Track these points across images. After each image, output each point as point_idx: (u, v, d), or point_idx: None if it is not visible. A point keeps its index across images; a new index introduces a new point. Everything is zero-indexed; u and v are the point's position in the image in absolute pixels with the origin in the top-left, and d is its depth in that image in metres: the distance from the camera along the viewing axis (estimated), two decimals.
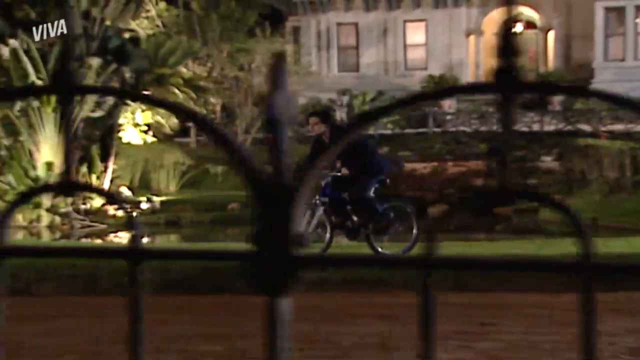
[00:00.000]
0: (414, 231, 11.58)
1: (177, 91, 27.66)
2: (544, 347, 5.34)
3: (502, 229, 24.79)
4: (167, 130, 31.55)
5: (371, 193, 11.19)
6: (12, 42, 19.89)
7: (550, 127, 29.71)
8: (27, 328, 5.94)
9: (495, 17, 40.71)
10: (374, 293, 7.18)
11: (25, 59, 19.93)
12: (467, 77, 39.73)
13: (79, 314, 6.87)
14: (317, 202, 11.05)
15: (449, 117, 31.86)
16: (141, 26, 31.32)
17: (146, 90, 25.51)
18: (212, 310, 6.92)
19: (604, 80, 36.31)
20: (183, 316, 6.49)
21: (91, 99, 20.33)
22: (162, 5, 37.32)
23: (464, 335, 5.60)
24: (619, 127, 28.57)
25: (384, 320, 6.08)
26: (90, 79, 20.62)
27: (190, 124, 32.64)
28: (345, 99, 22.60)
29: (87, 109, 20.59)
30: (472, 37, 40.68)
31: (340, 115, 21.61)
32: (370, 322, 6.16)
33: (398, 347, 5.22)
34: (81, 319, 6.59)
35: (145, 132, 30.96)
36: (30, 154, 20.97)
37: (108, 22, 22.15)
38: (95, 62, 20.58)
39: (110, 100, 20.38)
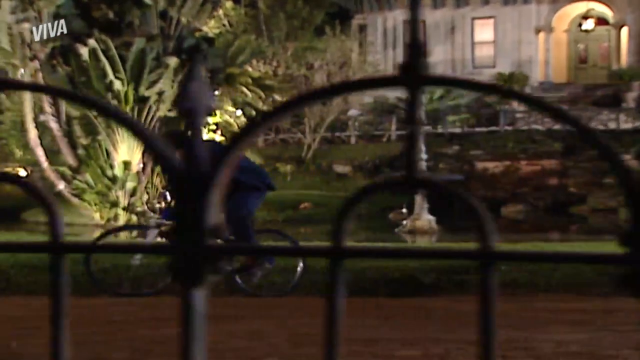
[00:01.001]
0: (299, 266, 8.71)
1: (245, 90, 27.83)
2: None
3: (577, 230, 24.47)
4: (235, 129, 31.78)
5: (246, 213, 8.52)
6: (91, 42, 20.18)
7: (627, 125, 29.23)
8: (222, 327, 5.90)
9: (566, 13, 40.18)
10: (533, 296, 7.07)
11: (103, 58, 20.20)
12: (537, 74, 39.30)
13: (273, 314, 6.85)
14: (153, 222, 9.11)
15: (520, 115, 31.53)
16: (208, 25, 31.59)
17: (217, 89, 25.70)
18: (399, 313, 6.81)
19: None
20: (368, 319, 6.37)
21: (169, 98, 20.55)
22: (229, 4, 37.61)
23: None
24: None
25: (577, 326, 5.93)
26: (168, 79, 20.83)
27: None
28: (423, 97, 22.45)
29: (164, 108, 20.80)
30: (541, 34, 40.20)
31: (419, 114, 21.46)
32: (563, 328, 6.01)
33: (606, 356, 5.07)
34: (276, 320, 6.56)
35: (214, 131, 31.24)
36: (108, 154, 21.25)
37: (184, 22, 22.37)
38: (172, 61, 20.78)
39: None
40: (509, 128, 29.92)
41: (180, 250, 0.82)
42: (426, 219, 19.96)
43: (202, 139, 0.84)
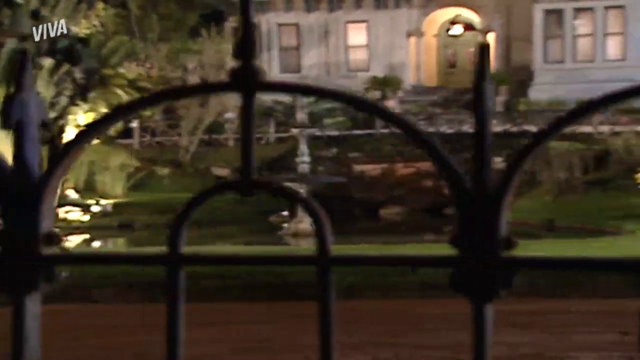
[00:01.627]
0: None
1: (120, 92, 27.26)
2: None
3: (452, 230, 25.05)
4: (110, 131, 31.09)
5: None
6: None
7: (497, 129, 30.09)
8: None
9: (435, 18, 41.12)
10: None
11: None
12: (409, 78, 40.04)
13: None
14: None
15: None
16: (81, 26, 30.79)
17: (91, 91, 25.07)
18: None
19: (543, 81, 36.99)
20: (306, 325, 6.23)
21: (44, 99, 19.87)
22: (100, 4, 36.77)
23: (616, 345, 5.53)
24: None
25: (525, 329, 5.96)
26: (43, 80, 20.18)
27: (134, 125, 32.24)
28: (304, 100, 22.53)
29: None
30: (412, 39, 41.01)
31: (302, 117, 21.49)
32: (512, 330, 6.02)
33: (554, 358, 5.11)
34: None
35: None
36: None
37: (57, 22, 21.72)
38: (47, 62, 20.15)
39: (63, 101, 19.98)
40: (385, 131, 30.35)
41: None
42: (309, 221, 19.97)
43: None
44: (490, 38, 40.29)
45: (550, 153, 26.39)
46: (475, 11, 40.44)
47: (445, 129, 30.16)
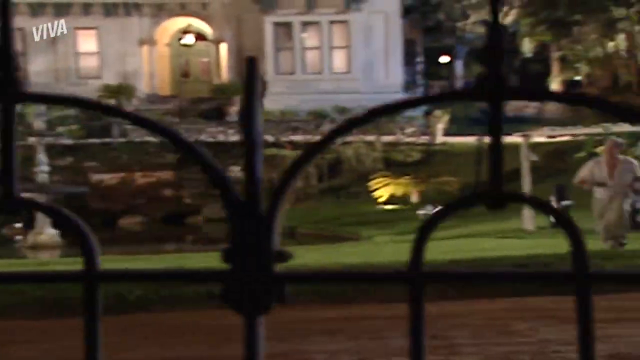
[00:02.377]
0: None
1: None
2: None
3: (193, 239, 25.23)
4: None
5: None
6: None
7: (234, 138, 30.65)
8: None
9: (167, 27, 41.12)
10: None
11: None
12: (143, 87, 39.73)
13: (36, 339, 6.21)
14: None
15: (132, 127, 31.71)
16: None
17: None
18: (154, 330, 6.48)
19: (276, 92, 38.07)
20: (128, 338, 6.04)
21: None
22: None
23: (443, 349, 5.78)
24: (298, 137, 30.16)
25: (342, 335, 6.07)
26: None
27: None
28: (42, 108, 21.75)
29: None
30: (145, 47, 40.74)
31: (39, 124, 20.76)
32: (329, 337, 6.13)
33: None
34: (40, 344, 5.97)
35: None
36: None
37: None
38: None
39: None
40: (123, 139, 29.96)
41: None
42: (49, 233, 19.34)
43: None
44: (222, 49, 40.93)
45: (287, 162, 27.28)
46: (206, 21, 40.90)
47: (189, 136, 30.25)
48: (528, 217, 16.30)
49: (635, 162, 12.86)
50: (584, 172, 12.53)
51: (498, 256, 11.05)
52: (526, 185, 16.32)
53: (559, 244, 13.79)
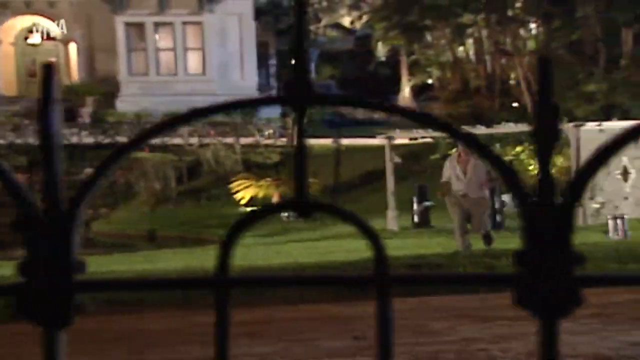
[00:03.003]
0: None
1: None
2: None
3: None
4: None
5: None
6: None
7: (89, 140, 30.12)
8: None
9: (12, 25, 39.90)
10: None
11: None
12: None
13: None
14: None
15: None
16: None
17: None
18: None
19: (129, 93, 37.61)
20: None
21: None
22: None
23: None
24: (155, 140, 29.96)
25: (259, 339, 6.04)
26: None
27: None
28: None
29: None
30: None
31: None
32: (244, 340, 6.18)
33: None
34: None
35: None
36: None
37: None
38: None
39: None
40: None
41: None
42: None
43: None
44: (72, 48, 40.06)
45: (146, 164, 27.06)
46: (54, 20, 39.93)
47: (34, 140, 29.49)
48: (391, 218, 16.85)
49: None
50: (446, 172, 12.78)
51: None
52: (390, 186, 16.86)
53: (426, 243, 14.26)
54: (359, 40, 45.64)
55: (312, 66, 46.81)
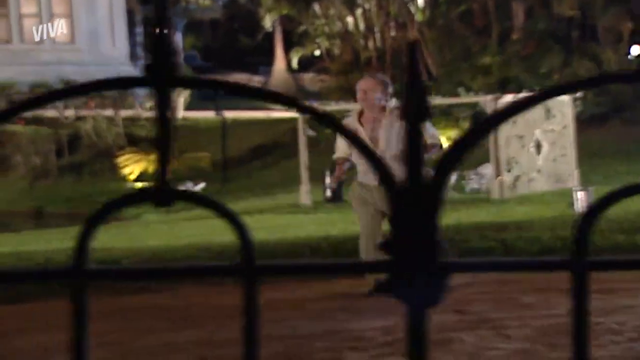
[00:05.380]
0: None
1: None
2: None
3: None
4: None
5: None
6: None
7: None
8: None
9: None
10: None
11: None
12: None
13: None
14: None
15: None
16: None
17: None
18: None
19: None
20: None
21: None
22: None
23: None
24: (28, 113, 28.75)
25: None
26: None
27: None
28: None
29: None
30: None
31: None
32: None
33: None
34: None
35: None
36: None
37: None
38: None
39: None
40: None
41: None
42: None
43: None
44: None
45: (21, 138, 25.98)
46: None
47: None
48: (305, 192, 16.74)
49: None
50: (341, 144, 12.09)
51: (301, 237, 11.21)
52: (304, 159, 16.73)
53: (339, 219, 14.16)
54: (226, 9, 45.13)
55: (180, 36, 45.90)
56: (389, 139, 7.11)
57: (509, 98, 15.66)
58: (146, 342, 6.00)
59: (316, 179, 16.90)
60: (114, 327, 6.39)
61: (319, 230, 12.26)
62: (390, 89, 7.34)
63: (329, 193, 16.83)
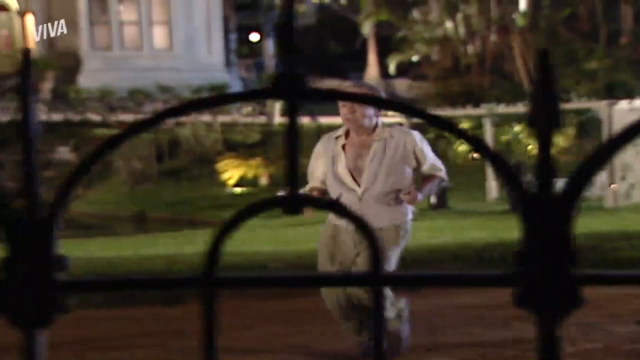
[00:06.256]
0: None
1: None
2: None
3: None
4: None
5: None
6: None
7: (57, 117, 29.31)
8: None
9: None
10: None
11: None
12: None
13: None
14: None
15: None
16: None
17: None
18: None
19: (92, 68, 36.68)
20: None
21: None
22: None
23: None
24: (128, 117, 29.24)
25: None
26: None
27: None
28: None
29: None
30: None
31: None
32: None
33: None
34: None
35: None
36: None
37: None
38: None
39: None
40: None
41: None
42: None
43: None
44: (29, 21, 38.94)
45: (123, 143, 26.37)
46: None
47: (0, 117, 28.60)
48: None
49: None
50: (316, 170, 9.15)
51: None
52: None
53: (445, 226, 13.90)
54: (319, 15, 45.21)
55: (271, 42, 46.13)
56: (376, 172, 5.36)
57: (624, 104, 15.19)
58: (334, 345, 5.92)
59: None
60: (294, 330, 6.33)
61: (430, 237, 12.06)
62: None
63: (433, 199, 16.62)
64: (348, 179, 5.47)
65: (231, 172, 23.54)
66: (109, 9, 37.81)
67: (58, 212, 0.78)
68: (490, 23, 26.70)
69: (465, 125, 21.81)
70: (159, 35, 38.35)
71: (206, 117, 28.28)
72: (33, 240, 0.77)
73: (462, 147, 23.43)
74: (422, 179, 5.44)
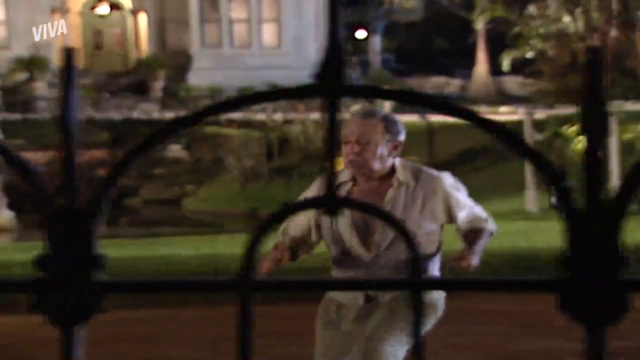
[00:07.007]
0: None
1: None
2: None
3: (129, 221, 24.33)
4: None
5: None
6: None
7: (170, 114, 29.64)
8: None
9: None
10: None
11: None
12: (56, 59, 38.04)
13: None
14: None
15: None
16: None
17: None
18: None
19: (202, 66, 37.09)
20: None
21: None
22: None
23: None
24: (237, 115, 29.36)
25: None
26: None
27: None
28: None
29: None
30: (57, 16, 39.02)
31: None
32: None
33: None
34: None
35: None
36: None
37: None
38: None
39: None
40: (48, 116, 28.64)
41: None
42: (5, 215, 18.26)
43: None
44: (142, 19, 39.57)
45: (233, 140, 26.51)
46: None
47: (115, 114, 29.14)
48: (530, 198, 16.05)
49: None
50: (303, 220, 8.35)
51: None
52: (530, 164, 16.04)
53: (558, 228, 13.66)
54: (428, 11, 44.64)
55: (378, 39, 45.68)
56: (393, 231, 3.40)
57: None
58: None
59: (541, 184, 16.20)
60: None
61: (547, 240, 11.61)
62: (401, 136, 4.13)
63: (554, 200, 16.08)
64: (353, 241, 4.05)
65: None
66: (220, 7, 38.13)
67: (97, 210, 0.79)
68: (611, 18, 25.86)
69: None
70: (269, 33, 38.51)
71: (315, 115, 28.18)
72: (73, 239, 0.78)
73: (579, 145, 22.72)
74: (463, 236, 4.07)
